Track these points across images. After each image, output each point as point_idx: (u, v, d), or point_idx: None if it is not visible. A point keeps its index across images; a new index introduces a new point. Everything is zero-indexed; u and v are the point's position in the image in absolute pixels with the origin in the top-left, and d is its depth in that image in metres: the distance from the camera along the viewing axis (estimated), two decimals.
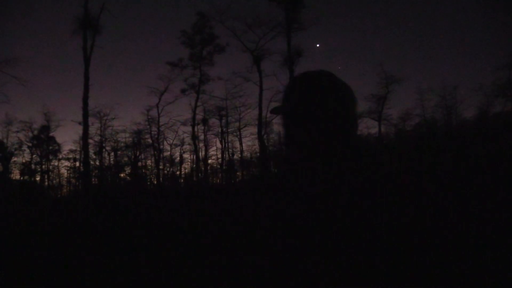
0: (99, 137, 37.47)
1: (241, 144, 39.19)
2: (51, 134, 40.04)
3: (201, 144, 38.73)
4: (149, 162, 43.08)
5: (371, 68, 58.73)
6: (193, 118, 32.07)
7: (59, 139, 53.38)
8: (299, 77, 0.94)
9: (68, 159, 44.44)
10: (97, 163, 39.67)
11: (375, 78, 43.32)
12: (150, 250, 5.52)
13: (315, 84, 0.89)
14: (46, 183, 43.03)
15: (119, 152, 40.49)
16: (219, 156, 41.67)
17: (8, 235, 7.68)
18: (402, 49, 74.73)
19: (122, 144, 39.87)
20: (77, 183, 43.72)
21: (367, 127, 33.73)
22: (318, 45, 59.24)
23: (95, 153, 38.36)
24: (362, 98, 35.02)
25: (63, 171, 47.80)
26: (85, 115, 22.15)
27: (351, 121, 0.89)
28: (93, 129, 35.06)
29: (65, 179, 49.40)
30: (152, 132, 36.05)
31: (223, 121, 37.29)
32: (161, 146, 38.01)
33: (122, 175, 41.98)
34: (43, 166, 41.77)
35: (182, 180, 44.19)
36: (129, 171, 41.33)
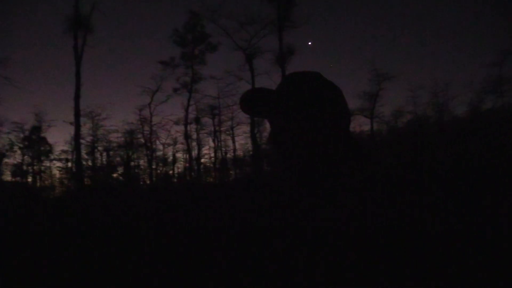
0: (91, 137, 37.27)
1: (234, 142, 39.25)
2: (42, 135, 39.72)
3: (194, 143, 38.68)
4: (142, 162, 42.94)
5: (363, 66, 59.01)
6: (186, 117, 32.07)
7: (51, 140, 52.89)
8: (285, 78, 0.92)
9: (60, 160, 44.05)
10: (90, 163, 39.44)
11: (367, 75, 43.42)
12: (144, 249, 5.50)
13: (301, 85, 0.87)
14: (38, 184, 42.66)
15: (111, 152, 40.30)
16: (212, 155, 41.64)
17: (2, 236, 7.60)
18: (393, 46, 75.09)
19: (115, 144, 39.69)
20: (69, 184, 43.41)
21: (360, 124, 33.96)
22: (310, 43, 59.28)
23: (87, 154, 38.13)
24: (355, 96, 35.23)
25: (55, 172, 47.39)
26: (77, 115, 22.00)
27: (339, 122, 0.87)
28: (85, 129, 34.86)
29: (58, 180, 48.98)
30: (145, 132, 35.99)
31: (216, 120, 37.27)
32: (154, 146, 37.92)
33: (115, 175, 41.78)
34: (35, 167, 41.41)
35: (175, 180, 44.05)
36: (122, 171, 41.14)
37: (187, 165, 37.23)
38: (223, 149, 41.43)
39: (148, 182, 38.45)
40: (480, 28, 73.75)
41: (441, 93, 34.40)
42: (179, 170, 46.41)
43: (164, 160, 42.45)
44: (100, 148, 39.78)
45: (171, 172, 44.94)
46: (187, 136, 32.94)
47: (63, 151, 42.88)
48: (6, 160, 39.92)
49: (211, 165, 44.11)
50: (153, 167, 38.37)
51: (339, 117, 0.86)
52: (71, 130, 40.56)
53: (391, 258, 0.66)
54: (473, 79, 48.93)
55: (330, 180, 0.83)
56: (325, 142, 0.85)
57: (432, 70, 69.50)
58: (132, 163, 41.48)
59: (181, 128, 35.28)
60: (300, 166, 0.86)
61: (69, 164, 42.94)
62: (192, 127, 37.49)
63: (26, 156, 40.44)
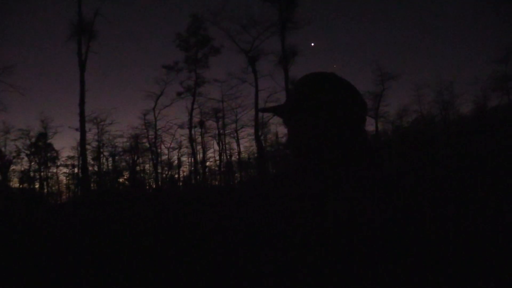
0: (97, 143, 37.50)
1: (238, 145, 39.25)
2: (48, 141, 40.01)
3: (199, 147, 38.78)
4: (147, 166, 43.14)
5: (367, 66, 58.86)
6: (190, 120, 32.09)
7: (57, 146, 53.55)
8: (299, 79, 0.92)
9: (66, 166, 44.37)
10: (96, 168, 39.67)
11: (371, 75, 43.28)
12: (151, 254, 5.50)
13: (315, 85, 0.87)
14: (45, 190, 42.99)
15: (117, 157, 40.52)
16: (217, 158, 41.72)
17: (7, 241, 7.64)
18: (397, 45, 74.96)
19: (120, 149, 39.92)
20: (76, 189, 43.69)
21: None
22: (313, 44, 59.30)
23: (93, 159, 38.37)
24: None
25: (62, 177, 47.73)
26: (82, 121, 22.10)
27: (354, 122, 0.87)
28: (91, 135, 35.12)
29: (64, 186, 49.34)
30: (150, 136, 36.09)
31: (220, 123, 37.35)
32: (159, 150, 38.03)
33: (121, 180, 41.98)
34: (42, 174, 41.70)
35: (180, 184, 44.17)
36: (127, 176, 41.32)
37: (192, 168, 37.31)
38: (228, 152, 41.51)
39: (154, 186, 38.60)
40: (485, 24, 73.35)
41: (446, 91, 34.30)
42: (185, 173, 46.60)
43: (169, 164, 42.60)
44: (105, 153, 40.06)
45: (176, 176, 45.12)
46: (191, 139, 32.99)
47: (69, 157, 43.27)
48: (13, 166, 40.33)
49: (216, 168, 44.23)
50: (159, 171, 38.50)
51: (352, 117, 0.86)
52: (77, 136, 40.99)
53: (392, 258, 0.66)
54: (478, 77, 48.63)
55: (339, 180, 0.82)
56: (338, 143, 0.84)
57: (437, 68, 69.28)
58: (138, 168, 41.71)
59: (185, 131, 35.37)
60: (313, 166, 0.87)
61: (75, 170, 43.32)
62: (197, 131, 37.65)
63: (33, 163, 40.81)
